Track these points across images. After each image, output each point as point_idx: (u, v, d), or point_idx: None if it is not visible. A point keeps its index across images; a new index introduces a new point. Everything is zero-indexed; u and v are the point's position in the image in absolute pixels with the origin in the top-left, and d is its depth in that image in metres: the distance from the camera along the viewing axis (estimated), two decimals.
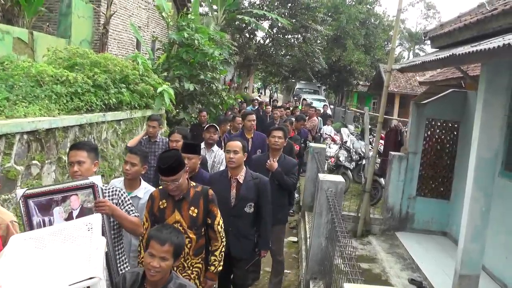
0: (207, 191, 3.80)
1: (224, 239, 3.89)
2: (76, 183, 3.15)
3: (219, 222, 3.83)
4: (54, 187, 3.15)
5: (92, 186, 3.14)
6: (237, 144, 4.52)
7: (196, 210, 3.72)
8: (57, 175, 5.84)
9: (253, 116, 7.63)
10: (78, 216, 3.05)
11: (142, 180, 4.32)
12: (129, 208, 3.49)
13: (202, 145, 6.32)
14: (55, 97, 6.16)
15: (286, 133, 5.70)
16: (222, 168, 6.06)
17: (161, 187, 3.75)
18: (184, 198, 3.71)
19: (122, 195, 3.51)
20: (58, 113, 5.98)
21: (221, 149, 7.57)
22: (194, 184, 3.84)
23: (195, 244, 3.74)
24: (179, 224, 3.65)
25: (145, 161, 4.27)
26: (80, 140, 6.40)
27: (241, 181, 4.45)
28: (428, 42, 7.64)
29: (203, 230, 3.81)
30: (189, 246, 3.68)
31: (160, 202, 3.72)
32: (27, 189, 3.10)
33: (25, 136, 5.17)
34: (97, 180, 3.18)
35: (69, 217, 3.08)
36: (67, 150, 5.99)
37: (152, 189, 4.20)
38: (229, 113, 10.26)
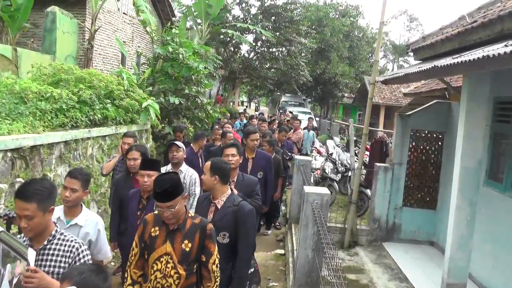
0: (205, 225, 3.41)
1: (218, 280, 3.47)
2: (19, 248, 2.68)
3: (215, 261, 3.41)
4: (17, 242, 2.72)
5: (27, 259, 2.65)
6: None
7: (190, 244, 3.32)
8: None
9: (257, 135, 7.04)
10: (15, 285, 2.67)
11: (83, 207, 3.87)
12: None
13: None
14: (40, 114, 6.12)
15: (240, 149, 5.31)
16: (197, 190, 5.86)
17: (156, 211, 3.42)
18: (179, 229, 3.34)
19: (79, 254, 3.03)
20: (43, 130, 5.94)
21: (201, 164, 7.43)
22: (192, 214, 3.48)
23: (183, 281, 3.32)
24: (169, 257, 3.30)
25: (86, 186, 3.81)
26: (66, 156, 6.36)
27: (219, 206, 4.05)
28: (412, 54, 7.75)
29: (195, 266, 3.40)
30: (176, 283, 3.30)
31: (153, 229, 3.39)
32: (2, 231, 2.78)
33: (9, 154, 5.12)
34: (31, 255, 2.68)
35: (11, 282, 2.69)
36: (53, 167, 6.01)
37: (94, 217, 3.85)
38: (216, 126, 10.21)
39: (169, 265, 3.30)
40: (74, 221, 3.71)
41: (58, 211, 3.72)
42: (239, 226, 3.96)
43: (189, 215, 3.44)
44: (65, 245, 3.01)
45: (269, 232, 9.12)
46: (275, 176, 8.21)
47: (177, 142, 5.93)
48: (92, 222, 3.77)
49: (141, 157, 5.12)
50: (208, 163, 4.07)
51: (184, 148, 6.00)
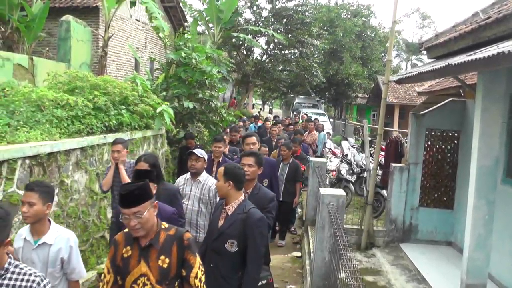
0: (182, 235, 2.99)
1: None
2: None
3: (197, 274, 2.96)
4: None
5: None
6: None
7: (167, 260, 2.91)
8: (59, 198, 5.86)
9: (253, 139, 6.86)
10: None
11: (51, 222, 3.52)
12: None
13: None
14: (56, 121, 6.20)
15: (260, 159, 4.89)
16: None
17: (126, 230, 3.00)
18: (152, 245, 2.91)
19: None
20: (60, 137, 6.02)
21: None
22: (166, 225, 3.04)
23: None
24: (145, 278, 2.89)
25: (48, 198, 3.44)
26: (82, 162, 6.44)
27: (229, 212, 3.84)
28: (425, 52, 7.70)
29: (176, 284, 2.99)
30: None
31: (124, 249, 2.96)
32: None
33: (27, 161, 5.20)
34: None
35: None
36: (69, 173, 6.08)
37: (65, 233, 3.54)
38: (227, 130, 10.28)
39: (147, 287, 2.89)
40: (42, 240, 3.41)
41: (24, 231, 3.48)
42: (247, 235, 3.74)
43: (162, 226, 3.02)
44: (22, 279, 2.61)
45: (284, 242, 8.61)
46: (292, 180, 8.28)
47: (196, 151, 5.38)
48: (62, 239, 3.47)
49: (150, 168, 4.59)
50: (222, 169, 3.89)
51: (206, 157, 5.48)
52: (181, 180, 5.49)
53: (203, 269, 3.04)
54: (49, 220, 3.51)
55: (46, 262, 3.44)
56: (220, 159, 6.69)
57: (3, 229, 2.55)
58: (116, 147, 5.73)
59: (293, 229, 9.37)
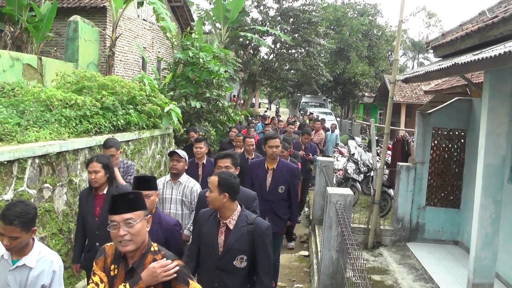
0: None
1: None
2: None
3: None
4: None
5: None
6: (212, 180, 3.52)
7: None
8: (68, 197, 5.91)
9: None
10: None
11: (35, 241, 3.11)
12: None
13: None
14: (65, 121, 6.26)
15: (236, 160, 4.52)
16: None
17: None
18: (134, 270, 2.52)
19: None
20: (68, 136, 6.08)
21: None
22: (156, 248, 2.62)
23: None
24: None
25: (31, 224, 2.98)
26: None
27: (231, 226, 3.45)
28: (432, 51, 7.69)
29: None
30: None
31: (112, 266, 2.59)
32: None
33: (37, 160, 5.26)
34: None
35: None
36: (78, 172, 6.14)
37: (49, 255, 3.11)
38: (234, 130, 10.18)
39: None
40: (22, 262, 3.00)
41: (2, 247, 3.02)
42: (258, 248, 3.45)
43: (152, 249, 2.59)
44: None
45: (293, 244, 8.53)
46: None
47: (178, 151, 5.20)
48: (45, 262, 3.05)
49: (103, 169, 4.29)
50: (215, 179, 3.44)
51: (186, 158, 5.26)
52: (159, 183, 5.05)
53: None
54: (33, 239, 3.08)
55: (23, 287, 3.02)
56: (204, 161, 6.19)
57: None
58: (110, 151, 5.16)
59: (294, 234, 8.88)
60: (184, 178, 5.18)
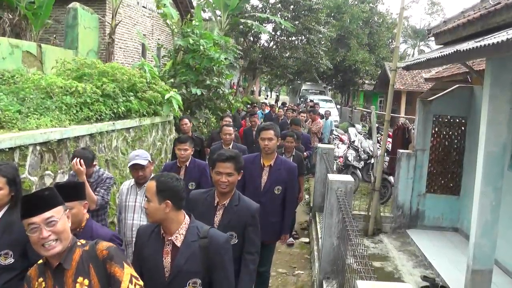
0: (93, 247, 2.38)
1: None
2: None
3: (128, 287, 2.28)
4: None
5: None
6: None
7: (86, 281, 2.29)
8: None
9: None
10: None
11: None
12: None
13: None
14: (65, 108, 6.26)
15: (241, 163, 3.66)
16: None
17: (40, 261, 2.41)
18: (62, 265, 2.30)
19: None
20: (69, 124, 6.08)
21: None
22: (83, 241, 2.43)
23: None
24: None
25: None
26: (91, 149, 6.48)
27: (178, 243, 2.78)
28: (433, 38, 7.67)
29: None
30: None
31: (37, 283, 2.35)
32: None
33: (38, 147, 5.27)
34: None
35: None
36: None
37: None
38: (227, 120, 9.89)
39: None
40: None
41: None
42: (215, 268, 2.82)
43: (78, 243, 2.40)
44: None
45: (293, 240, 8.08)
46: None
47: (138, 160, 4.37)
48: None
49: (7, 185, 3.19)
50: (152, 184, 2.79)
51: (150, 159, 4.52)
52: (123, 188, 4.59)
53: (140, 282, 2.34)
54: None
55: None
56: (188, 162, 5.49)
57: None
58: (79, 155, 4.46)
59: (295, 232, 8.42)
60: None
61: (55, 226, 2.25)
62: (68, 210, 2.41)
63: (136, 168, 4.33)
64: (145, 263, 2.85)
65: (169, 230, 2.79)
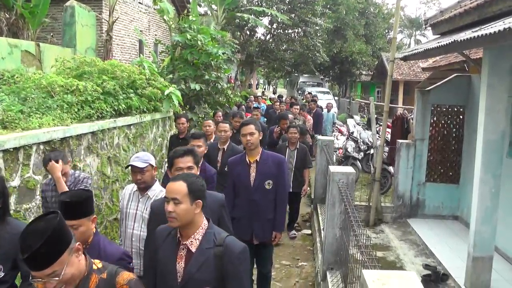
0: (115, 279, 2.25)
1: None
2: None
3: None
4: None
5: None
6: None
7: None
8: None
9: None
10: None
11: None
12: None
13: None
14: (67, 107, 6.29)
15: (197, 158, 3.72)
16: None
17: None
18: None
19: None
20: (71, 122, 6.12)
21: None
22: (99, 265, 2.30)
23: None
24: None
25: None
26: (93, 147, 6.53)
27: (193, 248, 2.70)
28: (430, 28, 7.71)
29: None
30: None
31: None
32: None
33: (42, 146, 5.31)
34: None
35: None
36: (82, 157, 6.20)
37: None
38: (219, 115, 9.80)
39: None
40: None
41: None
42: (228, 279, 2.67)
43: (95, 267, 2.25)
44: None
45: (295, 233, 8.13)
46: (301, 167, 7.66)
47: (136, 163, 3.96)
48: None
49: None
50: (182, 185, 2.67)
51: (153, 163, 4.09)
52: (125, 193, 4.21)
53: None
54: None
55: None
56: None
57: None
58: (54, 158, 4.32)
59: (297, 224, 8.51)
60: (156, 190, 4.04)
61: (60, 276, 2.05)
62: (78, 243, 2.17)
63: (134, 170, 3.97)
64: (159, 265, 2.78)
65: (188, 233, 2.69)
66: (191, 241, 2.68)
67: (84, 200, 2.85)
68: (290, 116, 9.74)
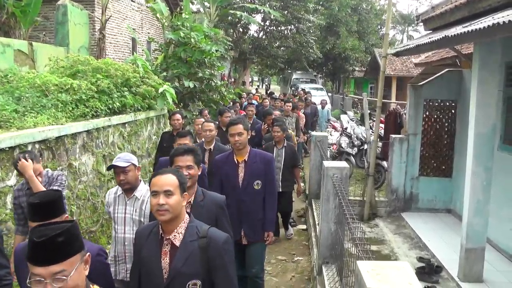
0: None
1: None
2: None
3: None
4: None
5: None
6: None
7: None
8: (69, 181, 6.00)
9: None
10: None
11: None
12: None
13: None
14: (61, 105, 6.32)
15: (199, 157, 3.66)
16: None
17: None
18: None
19: None
20: (66, 121, 6.15)
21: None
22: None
23: None
24: None
25: None
26: (88, 145, 6.55)
27: (177, 242, 2.65)
28: (422, 24, 7.77)
29: None
30: None
31: None
32: None
33: (37, 145, 5.34)
34: None
35: None
36: (77, 156, 6.22)
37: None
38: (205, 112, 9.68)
39: None
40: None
41: None
42: (215, 270, 2.66)
43: None
44: None
45: (292, 232, 7.97)
46: (290, 165, 7.39)
47: (118, 162, 3.82)
48: None
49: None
50: (172, 177, 2.68)
51: (135, 162, 3.94)
52: (110, 196, 4.03)
53: None
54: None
55: None
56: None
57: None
58: (35, 166, 4.16)
59: (292, 219, 8.42)
60: (142, 190, 3.91)
61: (65, 282, 1.77)
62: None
63: (116, 171, 3.82)
64: (143, 265, 2.70)
65: (171, 228, 2.64)
66: (174, 235, 2.64)
67: (55, 200, 2.68)
68: (277, 112, 9.61)
